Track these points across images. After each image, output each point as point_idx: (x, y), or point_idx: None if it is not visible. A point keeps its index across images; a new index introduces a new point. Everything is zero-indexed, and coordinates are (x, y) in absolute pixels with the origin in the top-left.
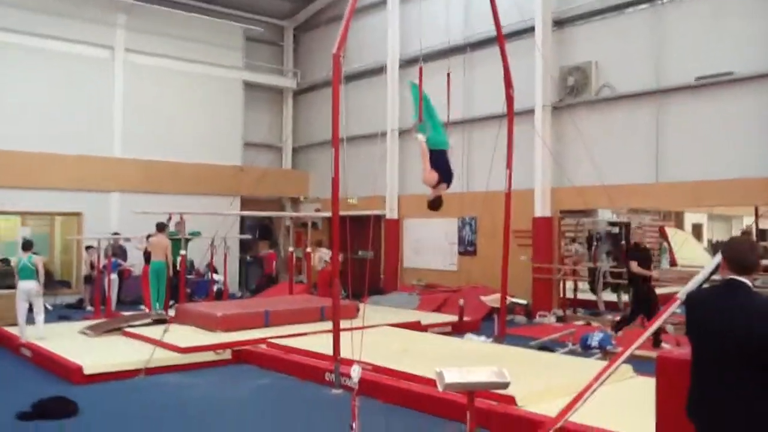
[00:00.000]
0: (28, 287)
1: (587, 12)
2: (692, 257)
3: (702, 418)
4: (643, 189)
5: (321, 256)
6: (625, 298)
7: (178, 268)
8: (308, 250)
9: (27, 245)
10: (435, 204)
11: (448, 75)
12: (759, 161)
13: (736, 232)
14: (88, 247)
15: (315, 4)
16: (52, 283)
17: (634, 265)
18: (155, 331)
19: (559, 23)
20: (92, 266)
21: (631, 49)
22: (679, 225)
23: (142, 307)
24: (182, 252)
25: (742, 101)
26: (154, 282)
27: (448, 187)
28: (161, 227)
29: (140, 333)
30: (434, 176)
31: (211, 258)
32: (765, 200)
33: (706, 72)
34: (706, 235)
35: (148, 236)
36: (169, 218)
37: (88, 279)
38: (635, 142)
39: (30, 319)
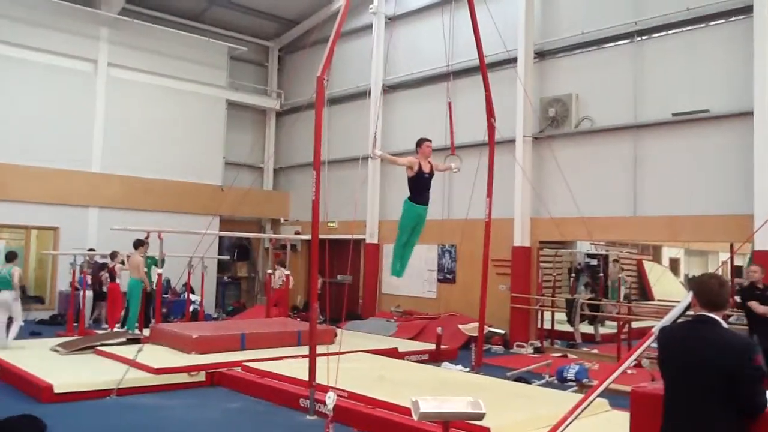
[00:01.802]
0: (3, 298)
1: (569, 45)
2: (669, 291)
3: None
4: (621, 222)
5: (279, 274)
6: (602, 330)
7: (154, 286)
8: (269, 271)
9: (10, 256)
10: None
11: (449, 104)
12: (735, 199)
13: (711, 268)
14: (103, 265)
15: (300, 26)
16: (25, 298)
17: (756, 305)
18: (128, 351)
19: (541, 55)
20: (101, 284)
21: (610, 83)
22: (657, 259)
23: (105, 325)
24: (159, 271)
25: (719, 139)
26: (132, 301)
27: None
28: (138, 245)
29: (113, 352)
30: (411, 159)
31: (188, 278)
32: (740, 237)
33: (683, 108)
34: (683, 270)
35: (112, 255)
36: (147, 236)
37: (100, 296)
38: (614, 175)
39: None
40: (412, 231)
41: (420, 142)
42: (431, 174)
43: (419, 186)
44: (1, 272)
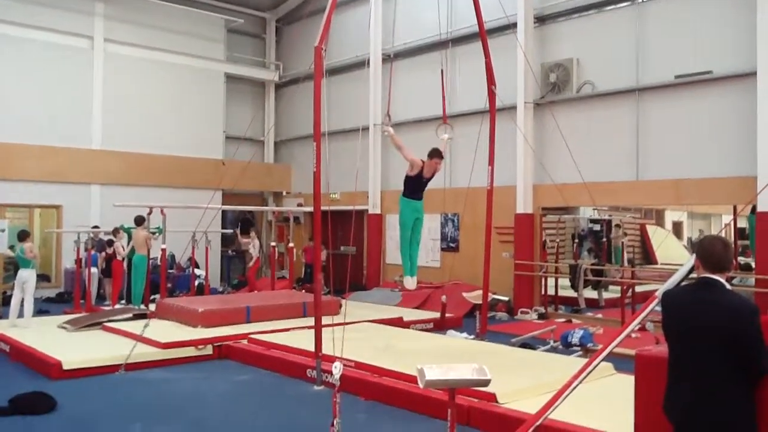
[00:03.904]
0: (21, 275)
1: (569, 9)
2: (672, 255)
3: (677, 413)
4: (624, 186)
5: (256, 244)
6: (606, 295)
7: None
8: (272, 243)
9: (23, 235)
10: (435, 152)
11: (442, 72)
12: (738, 160)
13: (715, 231)
14: (110, 242)
15: None
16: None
17: None
18: (135, 326)
19: (541, 19)
20: (108, 260)
21: (612, 47)
22: (660, 223)
23: (108, 302)
24: (162, 246)
25: (721, 100)
26: (138, 276)
27: (441, 158)
28: (140, 221)
29: (120, 328)
30: (417, 160)
31: (193, 252)
32: (744, 199)
33: (685, 71)
34: (686, 233)
35: (114, 231)
36: (150, 212)
37: (106, 272)
38: (616, 140)
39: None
40: (414, 226)
41: (432, 155)
42: (429, 179)
43: (415, 187)
44: (17, 251)
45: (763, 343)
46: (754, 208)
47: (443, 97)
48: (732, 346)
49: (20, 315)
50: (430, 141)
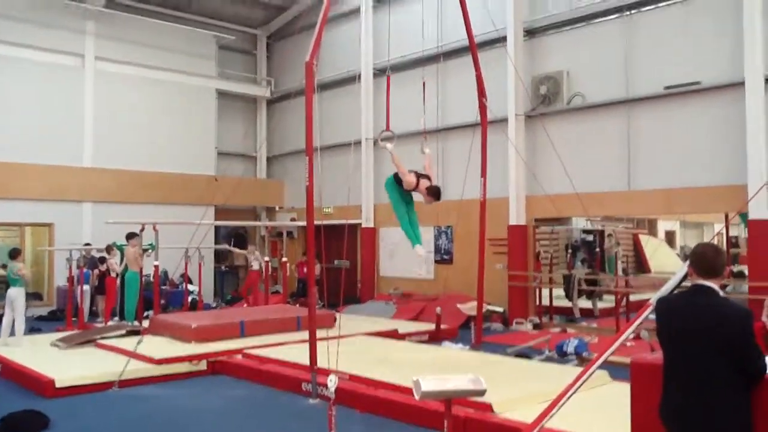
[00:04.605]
0: (9, 294)
1: (558, 22)
2: (666, 264)
3: (673, 419)
4: (616, 197)
5: (256, 257)
6: (600, 305)
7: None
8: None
9: (14, 253)
10: (434, 192)
11: (424, 84)
12: (728, 169)
13: (707, 240)
14: (101, 259)
15: (288, 13)
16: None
17: None
18: (129, 343)
19: (531, 32)
20: (100, 277)
21: (601, 59)
22: (653, 232)
23: (101, 319)
24: (155, 262)
25: (711, 110)
26: (130, 293)
27: (437, 200)
28: (130, 237)
29: (113, 345)
30: (412, 179)
31: (186, 268)
32: (735, 207)
33: (674, 81)
34: (678, 242)
35: (108, 248)
36: (142, 228)
37: (99, 290)
38: (607, 151)
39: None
40: (408, 204)
41: (429, 191)
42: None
43: (404, 192)
44: (9, 270)
45: (758, 346)
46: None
47: (424, 108)
48: (726, 351)
49: (12, 333)
50: (419, 155)
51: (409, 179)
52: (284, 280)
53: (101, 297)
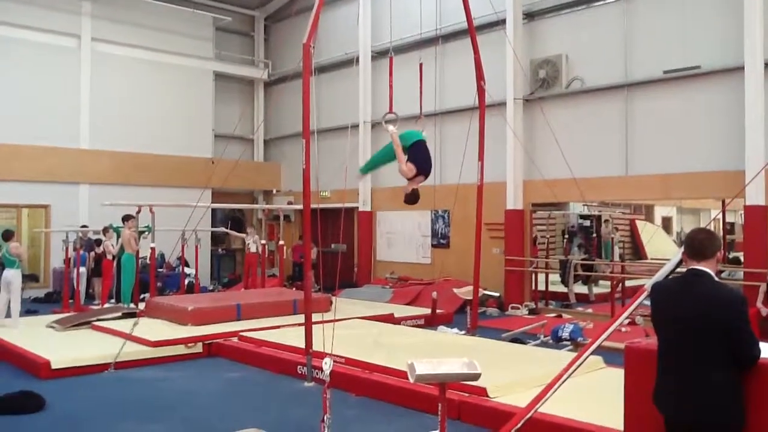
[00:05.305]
0: (5, 275)
1: (557, 5)
2: (662, 250)
3: (666, 404)
4: (614, 182)
5: (254, 239)
6: (596, 290)
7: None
8: (263, 241)
9: (6, 235)
10: (411, 198)
11: (420, 65)
12: (726, 155)
13: (703, 225)
14: (98, 241)
15: None
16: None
17: None
18: (125, 325)
19: (530, 16)
20: (97, 259)
21: (600, 43)
22: (650, 218)
23: (97, 301)
24: (152, 245)
25: (710, 95)
26: (126, 275)
27: (425, 179)
28: (126, 219)
29: (109, 327)
30: (411, 168)
31: (182, 251)
32: (732, 193)
33: (673, 65)
34: (675, 228)
35: (104, 230)
36: (138, 210)
37: (95, 272)
38: (605, 135)
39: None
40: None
41: (406, 197)
42: None
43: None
44: (3, 251)
45: (752, 332)
46: None
47: (420, 92)
48: (720, 336)
49: (7, 315)
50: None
51: (405, 169)
52: (281, 263)
53: (98, 279)
